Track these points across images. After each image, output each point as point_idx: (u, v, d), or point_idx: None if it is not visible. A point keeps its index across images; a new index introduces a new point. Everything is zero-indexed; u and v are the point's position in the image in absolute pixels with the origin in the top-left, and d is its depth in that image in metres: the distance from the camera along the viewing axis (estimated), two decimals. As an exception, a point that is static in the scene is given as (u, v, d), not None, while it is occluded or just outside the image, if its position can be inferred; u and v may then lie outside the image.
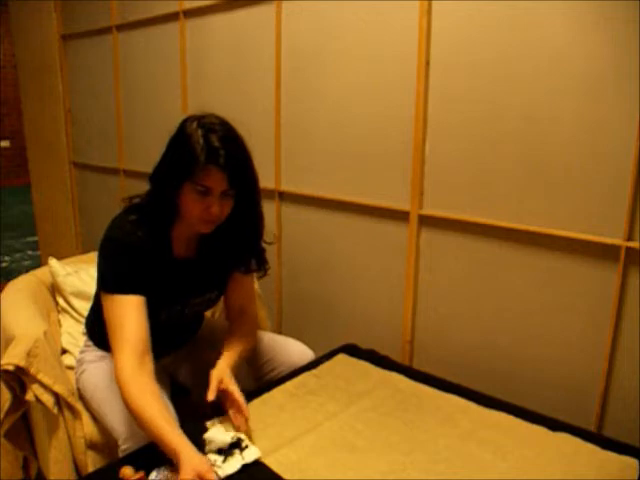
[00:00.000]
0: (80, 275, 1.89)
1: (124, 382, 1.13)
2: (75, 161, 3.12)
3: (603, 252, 1.38)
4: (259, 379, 1.49)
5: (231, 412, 1.22)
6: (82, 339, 1.55)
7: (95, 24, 2.72)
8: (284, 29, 1.94)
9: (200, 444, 1.09)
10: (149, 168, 1.29)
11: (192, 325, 1.56)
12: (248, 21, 2.04)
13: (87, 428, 1.40)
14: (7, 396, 1.34)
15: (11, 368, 1.28)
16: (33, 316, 1.55)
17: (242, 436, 1.14)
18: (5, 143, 7.75)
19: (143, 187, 1.32)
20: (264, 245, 1.41)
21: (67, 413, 1.38)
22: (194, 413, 1.27)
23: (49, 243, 3.41)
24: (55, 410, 1.33)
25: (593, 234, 1.38)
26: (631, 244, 1.32)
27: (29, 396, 1.30)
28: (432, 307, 1.73)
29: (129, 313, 1.19)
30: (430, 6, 1.56)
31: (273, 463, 1.10)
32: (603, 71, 1.31)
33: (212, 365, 1.27)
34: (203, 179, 1.16)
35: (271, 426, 1.24)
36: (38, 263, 3.63)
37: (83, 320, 1.71)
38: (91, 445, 1.41)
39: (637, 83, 1.26)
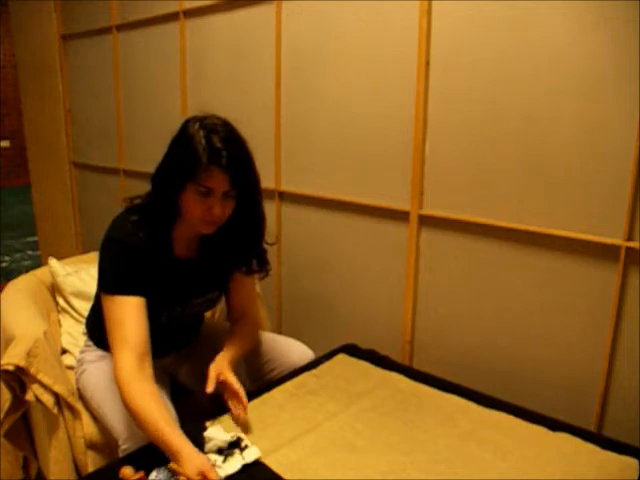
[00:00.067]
0: (80, 275, 1.89)
1: (123, 383, 1.13)
2: (75, 161, 3.12)
3: (603, 252, 1.38)
4: (259, 379, 1.49)
5: (230, 403, 1.24)
6: (82, 339, 1.55)
7: (95, 24, 2.72)
8: (284, 29, 1.94)
9: (200, 444, 1.10)
10: (149, 168, 1.29)
11: (192, 326, 1.56)
12: (248, 21, 2.04)
13: (87, 428, 1.40)
14: (7, 396, 1.34)
15: (11, 368, 1.28)
16: (33, 316, 1.55)
17: (242, 436, 1.15)
18: (5, 143, 7.75)
19: (143, 187, 1.32)
20: (265, 246, 1.41)
21: (67, 413, 1.38)
22: (194, 413, 1.27)
23: (49, 243, 3.41)
24: (55, 410, 1.33)
25: (593, 234, 1.38)
26: (631, 244, 1.32)
27: (29, 396, 1.30)
28: (432, 307, 1.73)
29: (129, 314, 1.19)
30: (430, 6, 1.56)
31: (273, 463, 1.10)
32: (603, 71, 1.31)
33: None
34: (205, 180, 1.16)
35: (271, 426, 1.24)
36: (38, 263, 3.63)
37: (83, 320, 1.71)
38: (91, 445, 1.41)
39: (637, 83, 1.26)
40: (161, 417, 1.08)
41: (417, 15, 1.59)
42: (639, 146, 1.27)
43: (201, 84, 2.28)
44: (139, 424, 1.11)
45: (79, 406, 1.40)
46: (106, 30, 2.66)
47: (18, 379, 1.32)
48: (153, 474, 1.04)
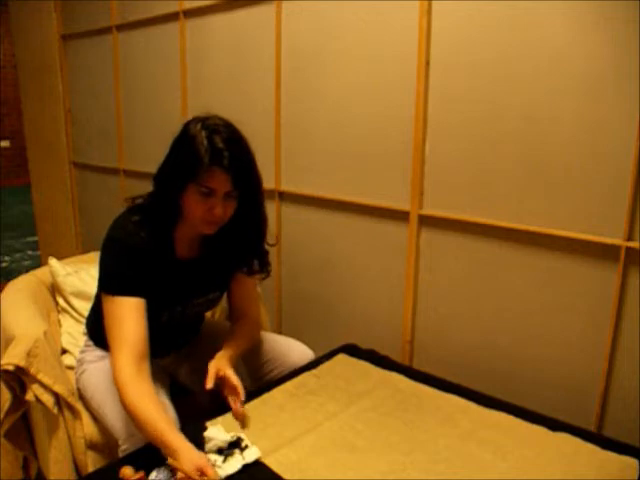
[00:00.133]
0: (80, 275, 1.89)
1: (122, 384, 1.13)
2: (75, 161, 3.12)
3: (603, 252, 1.38)
4: (259, 379, 1.49)
5: (230, 399, 1.25)
6: (82, 339, 1.55)
7: (95, 24, 2.72)
8: (284, 29, 1.94)
9: (200, 444, 1.10)
10: (149, 168, 1.29)
11: (193, 325, 1.56)
12: (248, 21, 2.04)
13: (87, 428, 1.40)
14: (7, 396, 1.34)
15: (11, 368, 1.28)
16: (33, 316, 1.55)
17: (242, 436, 1.15)
18: (5, 143, 7.75)
19: (143, 187, 1.32)
20: (267, 247, 1.41)
21: (67, 413, 1.38)
22: (194, 413, 1.28)
23: (49, 243, 3.41)
24: (55, 410, 1.33)
25: (593, 234, 1.38)
26: (631, 244, 1.32)
27: (29, 396, 1.30)
28: (432, 307, 1.73)
29: (129, 315, 1.19)
30: (430, 6, 1.56)
31: (273, 463, 1.10)
32: (603, 71, 1.31)
33: (212, 364, 1.28)
34: (207, 180, 1.16)
35: (271, 426, 1.24)
36: (38, 263, 3.63)
37: (83, 320, 1.71)
38: (91, 445, 1.41)
39: (637, 83, 1.26)
40: (159, 417, 1.08)
41: (417, 15, 1.59)
42: (639, 146, 1.27)
43: (201, 84, 2.28)
44: (137, 424, 1.11)
45: (79, 406, 1.40)
46: (106, 30, 2.66)
47: (18, 379, 1.31)
48: (153, 474, 1.04)
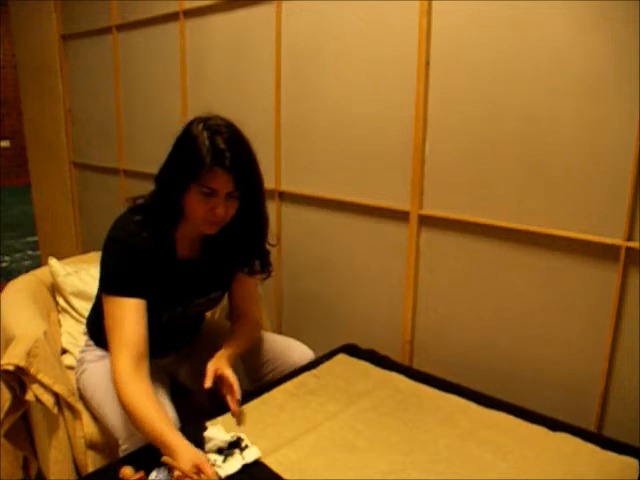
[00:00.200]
0: (80, 275, 1.89)
1: (121, 383, 1.14)
2: (75, 161, 3.12)
3: (603, 252, 1.38)
4: (259, 379, 1.49)
5: (229, 398, 1.25)
6: (82, 339, 1.55)
7: (95, 24, 2.72)
8: (284, 29, 1.94)
9: (200, 444, 1.10)
10: (149, 168, 1.29)
11: (193, 325, 1.56)
12: (248, 21, 2.04)
13: (87, 428, 1.40)
14: (7, 396, 1.34)
15: (11, 368, 1.28)
16: (33, 316, 1.55)
17: (242, 436, 1.15)
18: (5, 143, 7.75)
19: (143, 187, 1.32)
20: (268, 247, 1.41)
21: (67, 413, 1.38)
22: (194, 413, 1.28)
23: (49, 243, 3.41)
24: (55, 410, 1.33)
25: (593, 234, 1.38)
26: (631, 244, 1.32)
27: (29, 396, 1.30)
28: (432, 307, 1.73)
29: (129, 316, 1.19)
30: (430, 6, 1.56)
31: (273, 463, 1.10)
32: (603, 71, 1.31)
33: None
34: (209, 181, 1.16)
35: (271, 426, 1.24)
36: (38, 263, 3.63)
37: (83, 320, 1.71)
38: (91, 445, 1.41)
39: (637, 83, 1.26)
40: (157, 417, 1.08)
41: (417, 15, 1.59)
42: (639, 146, 1.27)
43: (201, 84, 2.28)
44: (135, 424, 1.12)
45: (79, 406, 1.40)
46: (106, 30, 2.66)
47: (18, 379, 1.32)
48: (153, 474, 1.04)
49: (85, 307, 1.74)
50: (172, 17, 2.31)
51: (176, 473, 1.00)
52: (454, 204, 1.62)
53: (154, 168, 1.29)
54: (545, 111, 1.41)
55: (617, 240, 1.34)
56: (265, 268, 1.43)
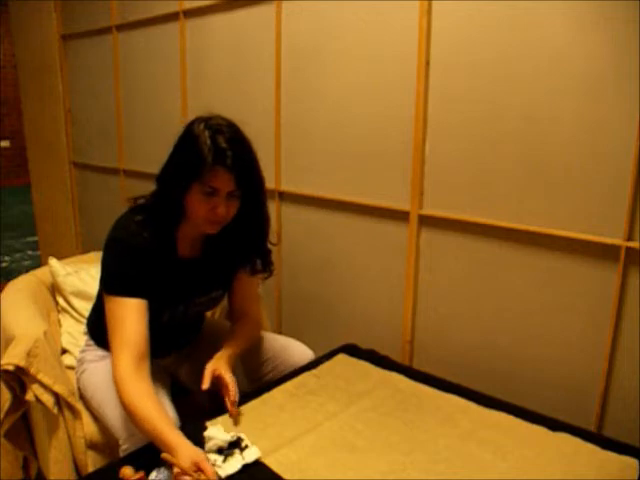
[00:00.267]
0: (80, 275, 1.89)
1: (121, 383, 1.14)
2: (75, 161, 3.12)
3: (603, 252, 1.38)
4: (259, 379, 1.49)
5: (227, 399, 1.25)
6: (82, 339, 1.55)
7: (95, 24, 2.72)
8: (284, 29, 1.94)
9: (200, 444, 1.10)
10: (149, 168, 1.29)
11: (194, 325, 1.56)
12: (248, 21, 2.04)
13: (87, 428, 1.40)
14: (7, 396, 1.34)
15: (11, 368, 1.28)
16: (33, 316, 1.55)
17: (242, 435, 1.15)
18: (5, 143, 7.75)
19: (143, 187, 1.32)
20: (269, 246, 1.42)
21: (67, 413, 1.38)
22: (194, 413, 1.28)
23: (49, 243, 3.41)
24: (55, 410, 1.33)
25: (593, 234, 1.38)
26: (631, 244, 1.32)
27: (29, 396, 1.30)
28: (432, 307, 1.73)
29: (130, 315, 1.19)
30: (430, 6, 1.56)
31: (273, 463, 1.10)
32: (603, 71, 1.31)
33: (212, 363, 1.29)
34: (210, 180, 1.17)
35: (271, 426, 1.24)
36: (38, 263, 3.63)
37: (83, 320, 1.71)
38: (91, 445, 1.41)
39: (637, 83, 1.26)
40: (157, 416, 1.09)
41: (417, 15, 1.59)
42: (639, 146, 1.27)
43: (201, 84, 2.28)
44: (136, 423, 1.12)
45: (79, 406, 1.40)
46: (106, 30, 2.66)
47: (18, 379, 1.32)
48: (153, 474, 1.04)
49: (85, 307, 1.74)
50: (172, 17, 2.31)
51: (175, 470, 1.00)
52: (454, 204, 1.62)
53: (154, 168, 1.29)
54: (545, 111, 1.41)
55: (617, 240, 1.34)
56: (267, 267, 1.43)
